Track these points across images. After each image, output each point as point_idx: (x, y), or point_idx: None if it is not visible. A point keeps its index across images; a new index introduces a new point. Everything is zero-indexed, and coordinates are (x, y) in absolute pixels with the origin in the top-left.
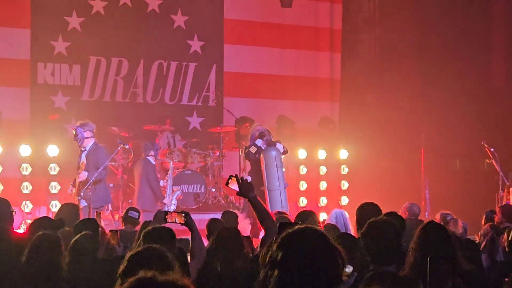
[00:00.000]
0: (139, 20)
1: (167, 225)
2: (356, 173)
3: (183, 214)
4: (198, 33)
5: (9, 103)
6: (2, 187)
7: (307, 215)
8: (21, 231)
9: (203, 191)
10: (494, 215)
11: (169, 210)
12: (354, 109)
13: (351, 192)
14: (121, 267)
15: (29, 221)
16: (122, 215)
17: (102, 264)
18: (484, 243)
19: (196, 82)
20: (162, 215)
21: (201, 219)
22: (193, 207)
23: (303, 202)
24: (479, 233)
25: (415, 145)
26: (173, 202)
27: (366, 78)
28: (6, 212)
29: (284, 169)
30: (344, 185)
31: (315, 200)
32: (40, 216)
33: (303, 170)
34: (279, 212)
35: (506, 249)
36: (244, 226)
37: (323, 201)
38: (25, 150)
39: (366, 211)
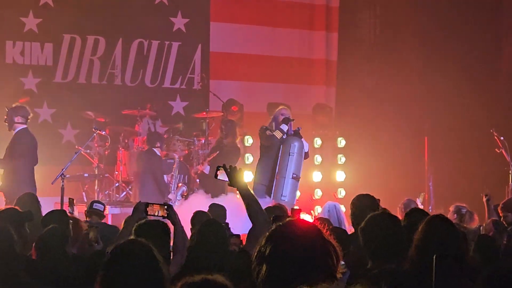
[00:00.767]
0: None
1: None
2: (354, 163)
3: (166, 207)
4: (182, 9)
5: None
6: None
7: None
8: None
9: (186, 181)
10: (499, 209)
11: (149, 202)
12: (352, 94)
13: (348, 184)
14: (104, 261)
15: None
16: (86, 209)
17: (75, 261)
18: None
19: (180, 63)
20: (142, 207)
21: (185, 212)
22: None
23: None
24: (480, 228)
25: (418, 133)
26: (177, 198)
27: (365, 60)
28: None
29: (301, 160)
30: (341, 176)
31: (309, 192)
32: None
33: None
34: (274, 205)
35: None
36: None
37: (317, 193)
38: None
39: (363, 204)
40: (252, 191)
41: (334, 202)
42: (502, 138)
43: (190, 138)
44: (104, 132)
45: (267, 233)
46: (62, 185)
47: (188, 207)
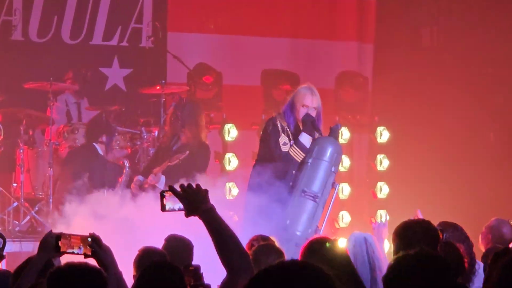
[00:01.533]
0: None
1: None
2: (403, 169)
3: (90, 240)
4: None
5: None
6: None
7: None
8: None
9: None
10: None
11: (63, 233)
12: (402, 57)
13: (393, 203)
14: None
15: None
16: None
17: None
18: None
19: (118, 7)
20: (52, 241)
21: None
22: None
23: None
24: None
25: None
26: None
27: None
28: None
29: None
30: (382, 190)
31: (329, 217)
32: None
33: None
34: (262, 238)
35: None
36: None
37: (343, 218)
38: None
39: (413, 235)
40: (222, 222)
41: (365, 234)
42: None
43: (136, 128)
44: None
45: (249, 283)
46: None
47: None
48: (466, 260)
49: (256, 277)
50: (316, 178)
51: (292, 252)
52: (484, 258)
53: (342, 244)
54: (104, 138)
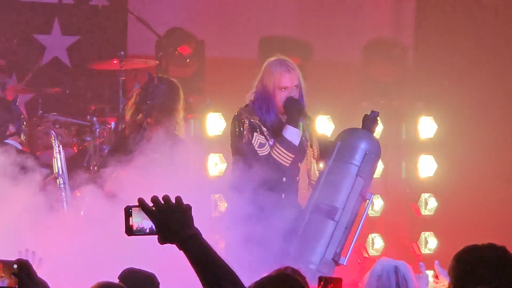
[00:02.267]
0: None
1: None
2: (454, 173)
3: (15, 266)
4: None
5: None
6: None
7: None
8: None
9: None
10: None
11: None
12: (455, 18)
13: (443, 220)
14: None
15: None
16: None
17: None
18: None
19: None
20: None
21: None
22: None
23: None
24: None
25: None
26: None
27: None
28: None
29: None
30: (428, 203)
31: (357, 241)
32: None
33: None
34: (285, 271)
35: None
36: None
37: (374, 242)
38: None
39: (481, 266)
40: (211, 252)
41: (396, 261)
42: None
43: (85, 118)
44: None
45: None
46: None
47: None
48: None
49: None
50: (339, 188)
51: None
52: None
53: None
54: (12, 128)
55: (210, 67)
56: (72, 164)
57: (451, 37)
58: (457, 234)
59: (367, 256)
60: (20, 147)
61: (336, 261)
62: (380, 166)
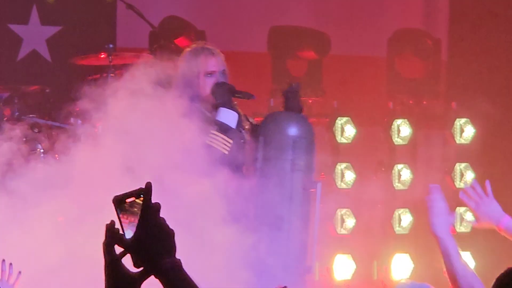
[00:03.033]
0: None
1: None
2: (494, 183)
3: None
4: None
5: None
6: None
7: None
8: None
9: None
10: None
11: None
12: (493, 7)
13: (481, 239)
14: None
15: None
16: None
17: None
18: None
19: None
20: None
21: None
22: None
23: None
24: None
25: None
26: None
27: None
28: None
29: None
30: (464, 218)
31: (374, 259)
32: None
33: (348, 177)
34: None
35: None
36: None
37: (403, 263)
38: None
39: None
40: (189, 281)
41: (421, 284)
42: None
43: (67, 121)
44: None
45: None
46: None
47: None
48: None
49: None
50: (277, 193)
51: None
52: None
53: None
54: None
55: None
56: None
57: (490, 29)
58: (496, 254)
59: (393, 280)
60: None
61: (304, 271)
62: (408, 174)
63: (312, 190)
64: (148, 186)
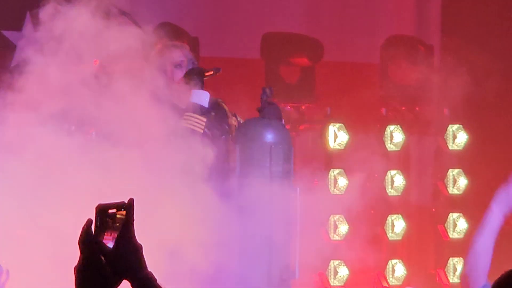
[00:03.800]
0: None
1: None
2: (487, 190)
3: None
4: None
5: None
6: None
7: None
8: None
9: None
10: None
11: None
12: (489, 11)
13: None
14: None
15: None
16: None
17: None
18: None
19: None
20: None
21: None
22: None
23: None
24: None
25: None
26: None
27: None
28: None
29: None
30: (457, 225)
31: (375, 266)
32: None
33: (341, 183)
34: None
35: None
36: None
37: (396, 270)
38: None
39: None
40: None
41: None
42: None
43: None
44: None
45: None
46: None
47: None
48: None
49: None
50: (257, 203)
51: None
52: None
53: None
54: None
55: (204, 68)
56: None
57: (483, 35)
58: (492, 261)
59: (387, 285)
60: None
61: (288, 276)
62: (401, 181)
63: (291, 195)
64: (131, 202)
